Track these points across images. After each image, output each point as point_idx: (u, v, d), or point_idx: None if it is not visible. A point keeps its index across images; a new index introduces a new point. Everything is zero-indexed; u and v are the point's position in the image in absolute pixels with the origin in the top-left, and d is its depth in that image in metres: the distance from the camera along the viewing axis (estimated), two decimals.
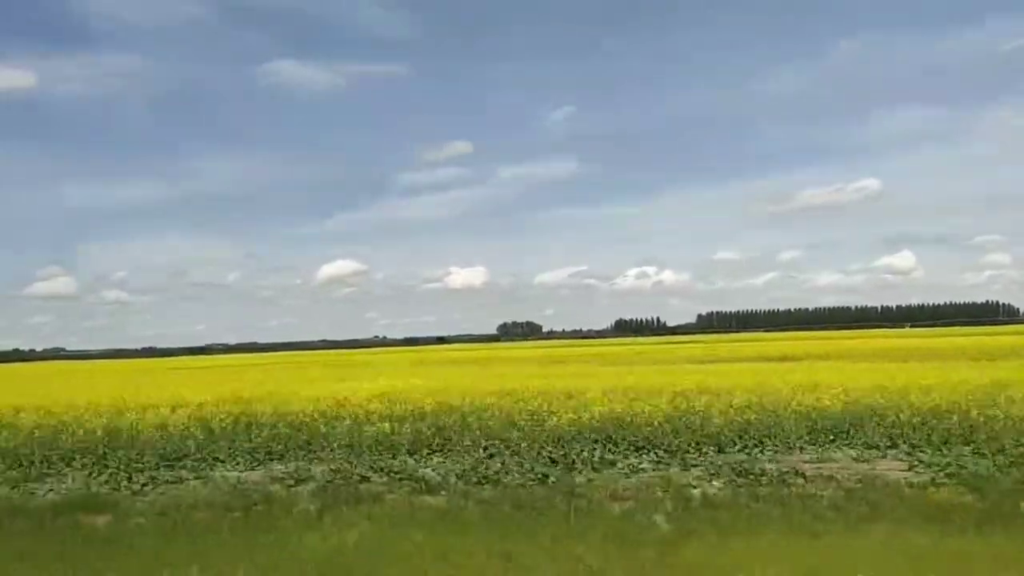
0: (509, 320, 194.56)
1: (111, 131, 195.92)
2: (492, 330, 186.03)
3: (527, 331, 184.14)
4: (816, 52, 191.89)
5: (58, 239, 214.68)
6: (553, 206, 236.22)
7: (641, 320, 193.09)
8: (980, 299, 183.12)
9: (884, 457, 10.42)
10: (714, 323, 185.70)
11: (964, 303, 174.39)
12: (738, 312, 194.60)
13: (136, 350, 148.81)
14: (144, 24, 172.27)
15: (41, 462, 11.36)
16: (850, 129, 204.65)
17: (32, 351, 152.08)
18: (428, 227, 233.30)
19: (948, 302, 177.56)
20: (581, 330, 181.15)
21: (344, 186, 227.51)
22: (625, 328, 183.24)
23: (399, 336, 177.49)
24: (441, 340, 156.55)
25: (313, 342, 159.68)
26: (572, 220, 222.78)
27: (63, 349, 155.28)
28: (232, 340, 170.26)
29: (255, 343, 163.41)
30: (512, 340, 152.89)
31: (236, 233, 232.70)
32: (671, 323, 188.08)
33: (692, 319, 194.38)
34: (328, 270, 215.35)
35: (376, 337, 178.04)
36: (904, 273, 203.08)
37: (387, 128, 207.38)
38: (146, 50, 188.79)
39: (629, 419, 11.70)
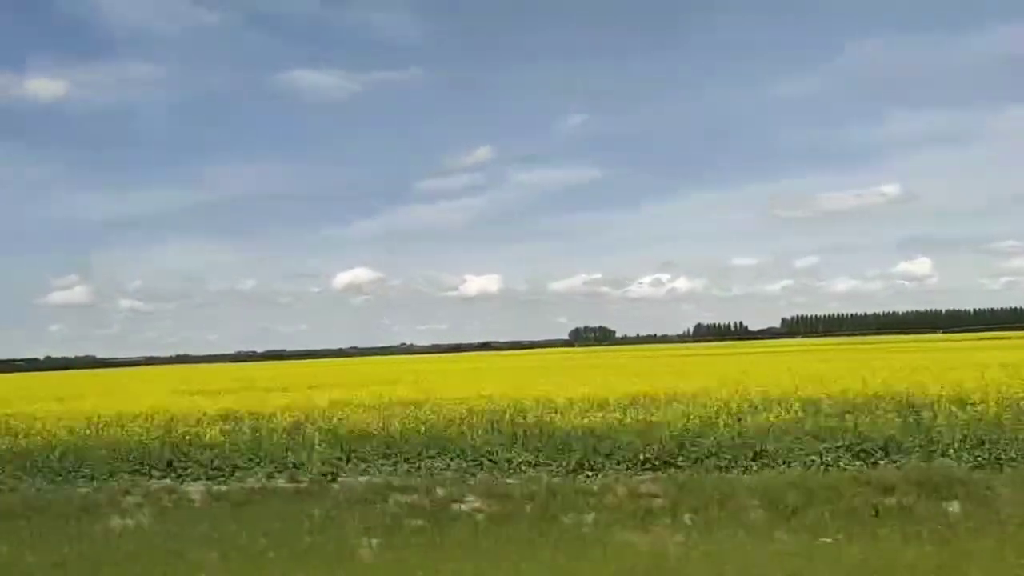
0: (582, 325, 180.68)
1: (129, 139, 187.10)
2: (556, 336, 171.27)
3: (600, 336, 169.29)
4: (833, 55, 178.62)
5: (76, 247, 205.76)
6: (569, 212, 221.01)
7: (722, 325, 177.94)
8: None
9: None
10: (799, 328, 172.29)
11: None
12: (825, 316, 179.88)
13: (169, 357, 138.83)
14: (162, 33, 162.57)
15: None
16: (868, 132, 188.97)
17: (65, 358, 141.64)
18: (444, 234, 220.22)
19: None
20: (655, 335, 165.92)
21: (360, 193, 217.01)
22: (705, 333, 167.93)
23: (425, 343, 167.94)
24: (485, 346, 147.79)
25: (344, 350, 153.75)
26: (588, 225, 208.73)
27: (93, 356, 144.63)
28: (246, 348, 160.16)
29: (283, 351, 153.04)
30: (586, 346, 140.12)
31: (253, 240, 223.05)
32: (753, 327, 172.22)
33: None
34: (345, 277, 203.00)
35: (403, 344, 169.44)
36: (919, 279, 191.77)
37: (403, 135, 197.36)
38: (164, 58, 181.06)
39: None
